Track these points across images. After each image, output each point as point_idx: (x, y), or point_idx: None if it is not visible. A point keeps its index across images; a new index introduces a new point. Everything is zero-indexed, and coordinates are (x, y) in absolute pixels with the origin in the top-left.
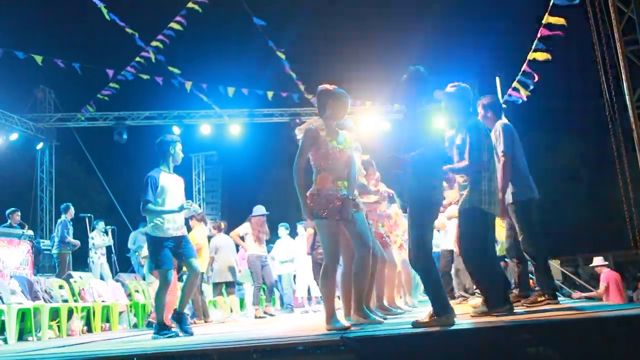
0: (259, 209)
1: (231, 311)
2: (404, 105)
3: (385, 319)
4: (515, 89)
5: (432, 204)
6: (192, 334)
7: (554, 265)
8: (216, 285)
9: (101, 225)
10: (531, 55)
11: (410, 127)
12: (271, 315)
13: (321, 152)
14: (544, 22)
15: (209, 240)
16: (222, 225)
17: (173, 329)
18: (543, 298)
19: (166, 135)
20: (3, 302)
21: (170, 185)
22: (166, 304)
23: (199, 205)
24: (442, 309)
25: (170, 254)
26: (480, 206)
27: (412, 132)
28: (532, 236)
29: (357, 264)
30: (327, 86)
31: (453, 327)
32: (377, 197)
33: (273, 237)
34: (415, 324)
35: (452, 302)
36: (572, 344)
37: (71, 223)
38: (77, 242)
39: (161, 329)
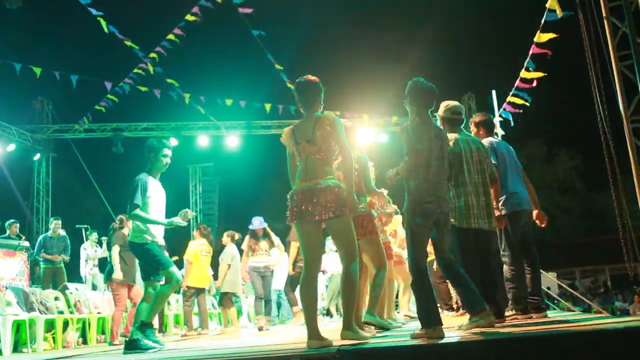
0: (252, 222)
1: (229, 323)
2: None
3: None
4: (510, 103)
5: (419, 216)
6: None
7: (550, 277)
8: (224, 295)
9: (94, 236)
10: (523, 74)
11: (401, 139)
12: (265, 329)
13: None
14: (535, 40)
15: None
16: (237, 236)
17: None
18: (511, 313)
19: (154, 139)
20: None
21: (155, 191)
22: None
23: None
24: (427, 322)
25: (164, 252)
26: (453, 223)
27: (403, 144)
28: (508, 247)
29: (379, 273)
30: (311, 77)
31: (444, 341)
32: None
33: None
34: (412, 336)
35: (453, 314)
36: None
37: (53, 237)
38: (55, 258)
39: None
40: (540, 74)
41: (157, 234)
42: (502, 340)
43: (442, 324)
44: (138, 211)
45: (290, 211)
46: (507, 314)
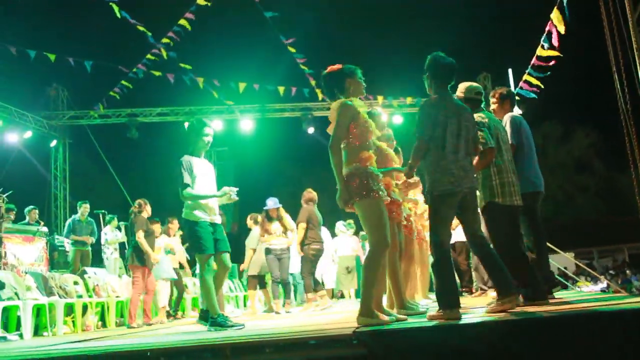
0: (266, 202)
1: (265, 305)
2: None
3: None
4: (526, 82)
5: (435, 196)
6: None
7: (568, 257)
8: (251, 278)
9: (114, 221)
10: (540, 52)
11: (418, 115)
12: (277, 313)
13: (359, 130)
14: (552, 16)
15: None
16: (259, 218)
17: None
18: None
19: (195, 120)
20: (19, 298)
21: (202, 171)
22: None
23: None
24: (445, 304)
25: (211, 237)
26: (493, 199)
27: (418, 121)
28: (537, 230)
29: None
30: (333, 67)
31: (462, 322)
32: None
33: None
34: (428, 317)
35: (470, 296)
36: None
37: (82, 221)
38: (86, 239)
39: (209, 318)
40: (556, 53)
41: (210, 210)
42: (518, 321)
43: (460, 306)
44: (189, 190)
45: None
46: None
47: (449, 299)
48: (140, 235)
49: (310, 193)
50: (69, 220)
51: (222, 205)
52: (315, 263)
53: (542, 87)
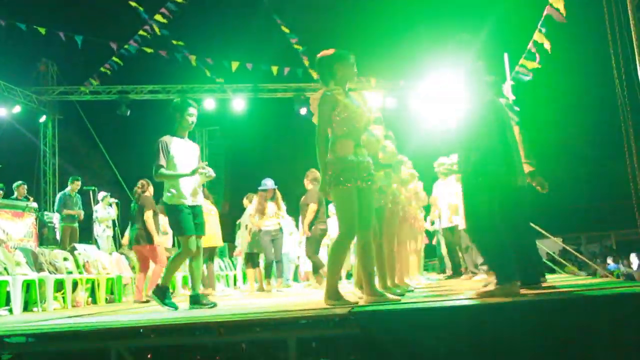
0: (263, 183)
1: (256, 282)
2: (460, 77)
3: (402, 295)
4: (522, 66)
5: (481, 174)
6: (177, 308)
7: (556, 241)
8: (250, 255)
9: (107, 198)
10: (536, 36)
11: (471, 100)
12: (277, 291)
13: (342, 117)
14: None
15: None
16: (253, 197)
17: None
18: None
19: (179, 100)
20: (8, 274)
21: (182, 151)
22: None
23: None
24: (502, 278)
25: (191, 219)
26: None
27: (474, 105)
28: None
29: (358, 245)
30: (326, 51)
31: (454, 304)
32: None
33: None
34: (480, 294)
35: (460, 278)
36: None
37: (72, 196)
38: (78, 212)
39: (162, 293)
40: (548, 42)
41: (188, 193)
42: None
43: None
44: (162, 170)
45: None
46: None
47: (501, 273)
48: (149, 215)
49: (315, 172)
50: (59, 195)
51: (210, 184)
52: (320, 242)
53: (540, 67)
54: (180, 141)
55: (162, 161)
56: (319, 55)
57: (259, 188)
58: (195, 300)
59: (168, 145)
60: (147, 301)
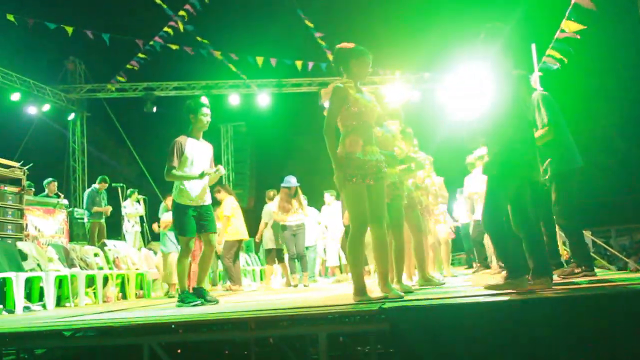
0: (287, 180)
1: (283, 277)
2: (487, 69)
3: (411, 291)
4: (550, 56)
5: (509, 168)
6: (217, 302)
7: (586, 235)
8: (269, 252)
9: (135, 195)
10: (564, 25)
11: (496, 93)
12: (294, 286)
13: (351, 111)
14: None
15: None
16: (273, 194)
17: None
18: (579, 270)
19: (192, 101)
20: (41, 269)
21: (195, 152)
22: (192, 272)
23: (228, 175)
24: (513, 272)
25: (194, 222)
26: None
27: (498, 98)
28: (567, 208)
29: (373, 241)
30: (346, 44)
31: (490, 299)
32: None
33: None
34: (488, 287)
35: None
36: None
37: (100, 192)
38: (106, 209)
39: (185, 296)
40: (581, 27)
41: (196, 194)
42: (544, 300)
43: (552, 275)
44: (173, 171)
45: None
46: (576, 271)
47: (512, 267)
48: None
49: None
50: (87, 191)
51: (236, 179)
52: None
53: (566, 61)
54: (194, 142)
55: (175, 162)
56: (337, 47)
57: (282, 185)
58: (199, 295)
59: (183, 146)
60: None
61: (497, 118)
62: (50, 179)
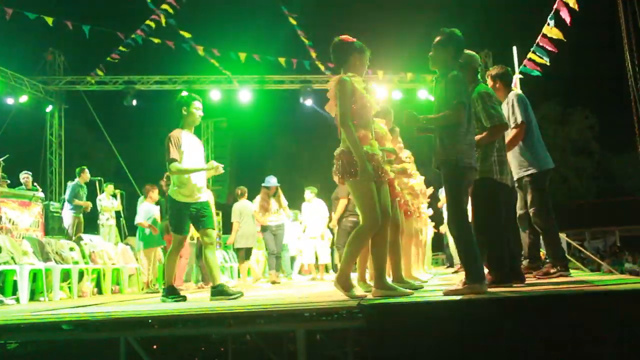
0: (267, 180)
1: (248, 275)
2: (436, 69)
3: (415, 289)
4: (530, 60)
5: (460, 168)
6: (242, 295)
7: (561, 236)
8: (239, 251)
9: (110, 188)
10: (546, 30)
11: (442, 92)
12: (276, 283)
13: (358, 106)
14: None
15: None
16: (244, 191)
17: (182, 293)
18: (555, 270)
19: (184, 95)
20: (15, 263)
21: (191, 146)
22: (178, 267)
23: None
24: (473, 277)
25: (189, 221)
26: (493, 176)
27: (443, 97)
28: (543, 208)
29: (376, 237)
30: (348, 37)
31: (467, 297)
32: (407, 165)
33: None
34: (447, 292)
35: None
36: (582, 317)
37: (83, 186)
38: (87, 204)
39: (170, 292)
40: (560, 36)
41: (196, 189)
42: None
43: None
44: (176, 164)
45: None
46: (552, 271)
47: (473, 272)
48: None
49: None
50: (71, 184)
51: (216, 177)
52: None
53: (548, 64)
54: (189, 135)
55: (175, 154)
56: (341, 38)
57: (263, 185)
58: (219, 292)
59: (180, 140)
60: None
61: (439, 119)
62: (24, 172)
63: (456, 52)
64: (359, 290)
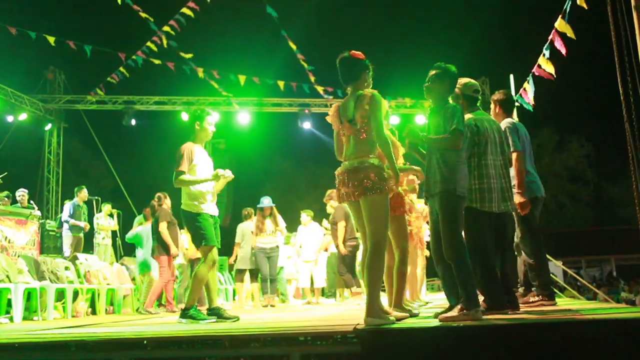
0: (261, 201)
1: (252, 298)
2: (431, 101)
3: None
4: (526, 90)
5: (457, 196)
6: (238, 319)
7: (557, 264)
8: (239, 272)
9: (107, 208)
10: (541, 61)
11: (439, 122)
12: (265, 306)
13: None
14: (556, 26)
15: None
16: (250, 212)
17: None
18: (537, 298)
19: (197, 109)
20: (10, 281)
21: (202, 161)
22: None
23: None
24: (472, 304)
25: (213, 228)
26: (471, 205)
27: (440, 126)
28: (529, 234)
29: (401, 255)
30: (359, 53)
31: (463, 324)
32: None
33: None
34: (442, 319)
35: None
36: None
37: (81, 206)
38: (83, 224)
39: (196, 313)
40: (552, 69)
41: (210, 201)
42: (514, 325)
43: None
44: (183, 176)
45: (336, 192)
46: (532, 299)
47: (470, 299)
48: (162, 227)
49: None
50: (68, 204)
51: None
52: (352, 259)
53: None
54: (201, 150)
55: (184, 167)
56: (351, 53)
57: (258, 206)
58: (215, 314)
59: (192, 153)
60: (174, 311)
61: (438, 140)
62: (20, 189)
63: (450, 87)
64: (390, 317)
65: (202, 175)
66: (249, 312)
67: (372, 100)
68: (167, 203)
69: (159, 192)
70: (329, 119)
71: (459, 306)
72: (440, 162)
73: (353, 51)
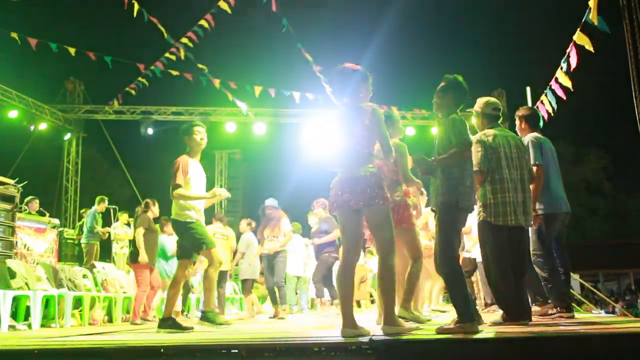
0: (266, 202)
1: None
2: (438, 113)
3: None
4: (542, 102)
5: (459, 209)
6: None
7: (574, 277)
8: (245, 282)
9: (124, 217)
10: (559, 74)
11: (443, 134)
12: (279, 318)
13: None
14: (575, 38)
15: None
16: (253, 223)
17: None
18: (554, 311)
19: (189, 122)
20: (29, 288)
21: (196, 174)
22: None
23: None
24: (465, 317)
25: (207, 230)
26: (486, 219)
27: (444, 139)
28: (544, 249)
29: (415, 264)
30: (353, 64)
31: (479, 336)
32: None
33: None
34: (440, 330)
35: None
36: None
37: (100, 215)
38: (105, 230)
39: (166, 322)
40: (569, 84)
41: (199, 211)
42: (534, 338)
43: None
44: (180, 190)
45: (329, 201)
46: (550, 312)
47: (465, 312)
48: (138, 232)
49: (322, 201)
50: (91, 212)
51: (229, 207)
52: (329, 270)
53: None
54: (195, 163)
55: (180, 180)
56: (345, 65)
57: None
58: (206, 318)
59: (187, 166)
60: (147, 319)
61: (447, 158)
62: (31, 197)
63: (457, 98)
64: (408, 323)
65: (196, 188)
66: (258, 321)
67: (372, 116)
68: (153, 210)
69: (149, 198)
70: (327, 127)
71: (455, 318)
72: (443, 176)
73: (346, 63)
